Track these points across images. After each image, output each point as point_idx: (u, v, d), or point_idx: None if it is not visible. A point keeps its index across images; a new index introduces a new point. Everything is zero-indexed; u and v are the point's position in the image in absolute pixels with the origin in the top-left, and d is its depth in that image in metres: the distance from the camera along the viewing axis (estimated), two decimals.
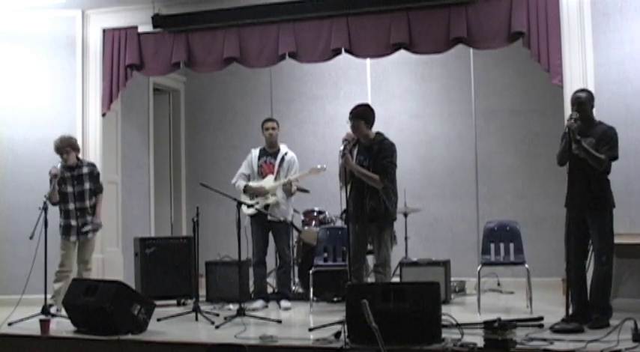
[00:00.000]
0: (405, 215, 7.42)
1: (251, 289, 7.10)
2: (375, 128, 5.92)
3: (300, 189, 7.23)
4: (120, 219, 8.03)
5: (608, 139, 5.24)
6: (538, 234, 7.47)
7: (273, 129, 6.99)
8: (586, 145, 5.14)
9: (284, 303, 6.82)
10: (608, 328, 4.95)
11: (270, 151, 7.03)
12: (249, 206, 6.64)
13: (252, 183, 6.92)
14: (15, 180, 7.59)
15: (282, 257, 6.96)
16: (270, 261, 7.25)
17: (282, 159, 6.95)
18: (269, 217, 6.80)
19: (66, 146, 6.63)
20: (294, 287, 7.31)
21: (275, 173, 6.91)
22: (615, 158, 5.27)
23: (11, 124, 7.68)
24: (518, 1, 6.37)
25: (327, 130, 8.60)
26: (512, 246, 6.47)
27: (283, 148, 7.04)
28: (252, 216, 6.90)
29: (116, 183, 8.04)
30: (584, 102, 5.31)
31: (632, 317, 4.72)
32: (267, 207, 6.82)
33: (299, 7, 6.95)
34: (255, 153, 7.08)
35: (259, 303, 6.79)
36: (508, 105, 8.16)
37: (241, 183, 6.95)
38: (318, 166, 6.95)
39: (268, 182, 6.90)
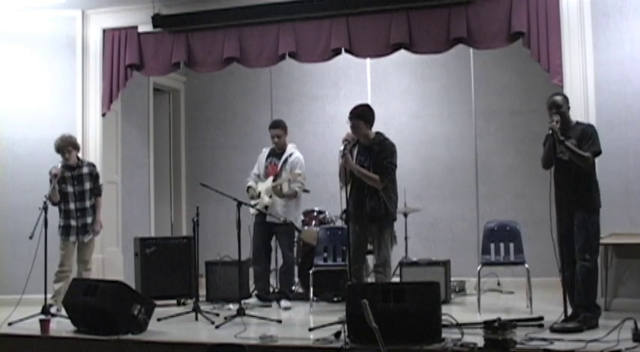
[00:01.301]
0: (405, 215, 7.42)
1: (251, 288, 7.10)
2: (375, 128, 5.92)
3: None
4: (120, 219, 8.03)
5: (588, 137, 5.26)
6: (538, 234, 7.42)
7: (278, 137, 6.94)
8: (570, 145, 5.17)
9: (284, 303, 6.82)
10: (597, 328, 4.98)
11: (277, 152, 7.04)
12: (251, 206, 6.65)
13: (256, 185, 6.96)
14: (15, 180, 7.58)
15: (285, 258, 6.97)
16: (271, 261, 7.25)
17: (286, 160, 6.95)
18: (267, 218, 6.81)
19: (67, 145, 6.63)
20: (294, 287, 7.31)
21: (277, 174, 6.91)
22: (599, 153, 5.28)
23: (11, 124, 7.68)
24: (518, 2, 6.37)
25: (327, 130, 8.60)
26: (512, 245, 6.47)
27: (290, 149, 7.02)
28: (256, 216, 6.91)
29: (116, 183, 8.04)
30: (561, 104, 5.33)
31: (632, 317, 4.71)
32: (267, 207, 6.83)
33: (299, 7, 6.95)
34: (264, 153, 7.09)
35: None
36: (508, 105, 8.16)
37: (246, 185, 7.00)
38: (296, 171, 6.80)
39: (267, 183, 6.91)
